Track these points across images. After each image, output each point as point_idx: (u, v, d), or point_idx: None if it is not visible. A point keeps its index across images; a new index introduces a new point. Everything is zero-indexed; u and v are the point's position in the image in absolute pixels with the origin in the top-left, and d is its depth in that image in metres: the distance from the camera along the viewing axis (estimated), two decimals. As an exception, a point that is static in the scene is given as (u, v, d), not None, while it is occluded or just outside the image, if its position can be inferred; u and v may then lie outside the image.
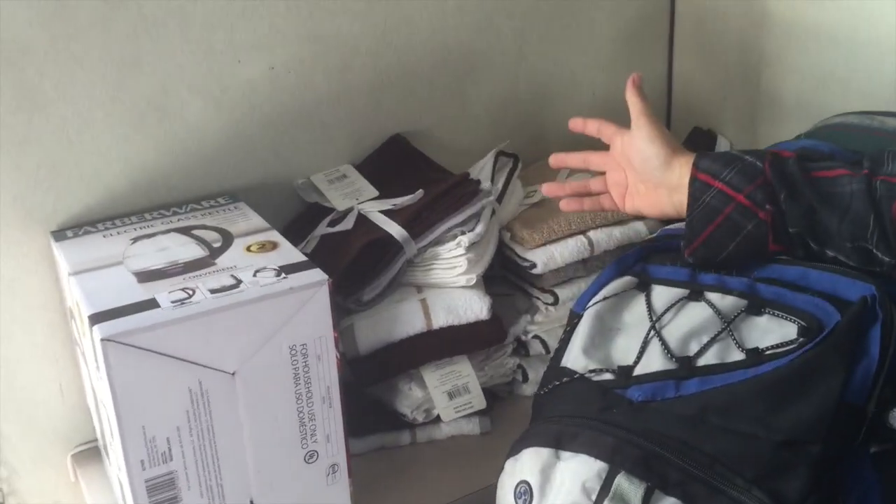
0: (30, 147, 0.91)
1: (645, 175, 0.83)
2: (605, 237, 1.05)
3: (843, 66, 1.09)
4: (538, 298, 1.06)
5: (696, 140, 1.29)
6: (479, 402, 0.99)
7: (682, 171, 0.80)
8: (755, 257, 0.76)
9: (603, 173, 0.90)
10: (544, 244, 1.05)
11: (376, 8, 1.07)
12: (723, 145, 1.25)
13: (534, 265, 1.03)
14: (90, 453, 1.02)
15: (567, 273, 1.06)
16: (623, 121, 0.87)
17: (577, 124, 0.92)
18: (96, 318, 0.73)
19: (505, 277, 1.10)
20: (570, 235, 1.05)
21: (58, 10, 0.88)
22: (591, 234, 1.05)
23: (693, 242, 0.77)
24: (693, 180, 0.77)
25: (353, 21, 1.06)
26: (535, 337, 1.05)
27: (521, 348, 1.06)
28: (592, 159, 0.90)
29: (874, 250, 0.70)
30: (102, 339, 0.70)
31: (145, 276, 0.81)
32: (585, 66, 1.26)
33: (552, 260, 1.04)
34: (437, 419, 1.00)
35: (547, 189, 0.93)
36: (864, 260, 0.71)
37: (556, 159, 0.94)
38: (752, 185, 0.74)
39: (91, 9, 0.90)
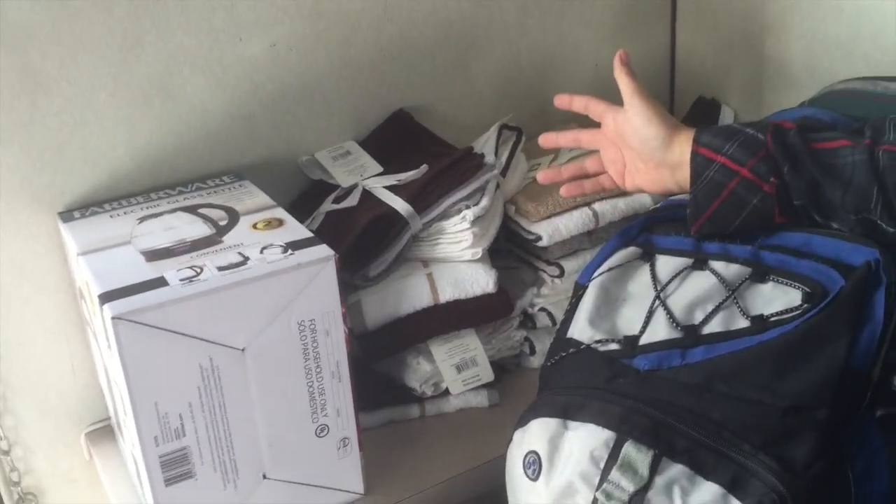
0: (35, 129, 0.91)
1: (645, 155, 0.82)
2: (609, 209, 1.05)
3: (847, 32, 1.08)
4: (544, 271, 1.07)
5: (699, 110, 1.29)
6: (487, 375, 1.00)
7: (682, 148, 0.79)
8: (762, 230, 0.76)
9: (596, 151, 0.89)
10: (549, 217, 1.05)
11: (376, -17, 1.07)
12: (727, 114, 1.25)
13: (539, 238, 1.04)
14: (104, 432, 1.03)
15: (572, 245, 1.06)
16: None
17: (563, 101, 0.90)
18: (106, 297, 0.73)
19: (510, 250, 1.11)
20: (575, 208, 1.05)
21: (59, -10, 0.88)
22: (596, 205, 1.06)
23: (699, 219, 0.77)
24: (694, 156, 0.77)
25: (354, -4, 1.06)
26: (542, 309, 1.06)
27: (528, 321, 1.07)
28: (584, 138, 0.89)
29: (878, 221, 0.70)
30: (113, 318, 0.71)
31: (153, 255, 0.81)
32: (588, 39, 1.26)
33: (557, 232, 1.04)
34: (446, 392, 1.01)
35: (543, 177, 0.92)
36: (868, 231, 0.71)
37: (545, 139, 0.93)
38: (755, 158, 0.74)
39: (92, -11, 0.90)
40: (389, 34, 1.10)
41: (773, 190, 0.74)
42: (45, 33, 0.89)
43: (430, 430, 1.00)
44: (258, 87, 1.03)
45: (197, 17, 0.96)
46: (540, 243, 1.04)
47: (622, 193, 1.05)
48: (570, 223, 1.04)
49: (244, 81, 1.02)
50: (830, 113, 0.83)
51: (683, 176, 0.79)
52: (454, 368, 0.99)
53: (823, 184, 0.72)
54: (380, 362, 0.99)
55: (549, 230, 1.04)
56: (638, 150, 0.83)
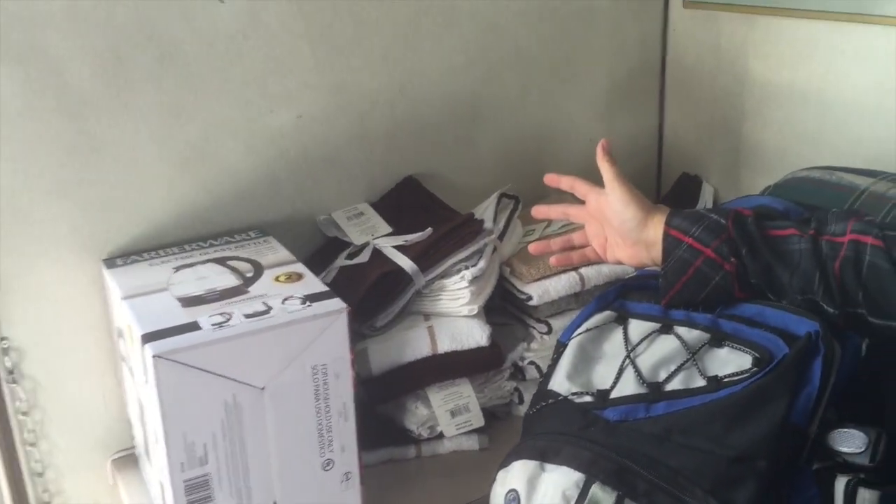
0: (85, 185, 1.03)
1: (623, 233, 0.92)
2: (594, 273, 1.16)
3: (814, 123, 1.20)
4: (534, 328, 1.17)
5: (683, 185, 1.41)
6: (478, 421, 1.10)
7: (656, 229, 0.89)
8: (724, 303, 0.87)
9: (582, 225, 1.00)
10: (540, 279, 1.16)
11: (393, 63, 1.20)
12: (707, 191, 1.36)
13: (530, 297, 1.15)
14: (128, 459, 1.13)
15: (560, 305, 1.17)
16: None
17: (551, 180, 1.01)
18: (148, 338, 0.84)
19: (504, 308, 1.21)
20: (564, 271, 1.16)
21: (116, 66, 1.01)
22: (583, 270, 1.17)
23: (669, 292, 0.88)
24: (666, 236, 0.88)
25: (373, 75, 1.18)
26: (531, 363, 1.16)
27: (518, 373, 1.17)
28: (571, 212, 1.00)
29: (820, 302, 0.81)
30: (154, 356, 0.82)
31: (188, 302, 0.92)
32: (583, 117, 1.38)
33: (547, 293, 1.15)
34: (441, 435, 1.11)
35: (534, 248, 1.02)
36: (812, 310, 0.82)
37: (538, 211, 1.04)
38: (718, 240, 0.85)
39: (145, 65, 1.03)
40: (402, 109, 1.22)
41: (733, 269, 0.84)
42: (101, 101, 1.02)
43: (425, 470, 1.10)
44: (284, 152, 1.15)
45: (233, 90, 1.09)
46: (531, 302, 1.15)
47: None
48: (558, 285, 1.15)
49: (272, 148, 1.14)
50: (784, 202, 0.94)
51: (657, 252, 0.89)
52: (449, 413, 1.09)
53: (775, 267, 0.83)
54: (382, 405, 1.10)
55: (539, 291, 1.15)
56: (617, 229, 0.94)
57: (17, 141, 0.99)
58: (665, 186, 1.45)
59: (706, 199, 1.36)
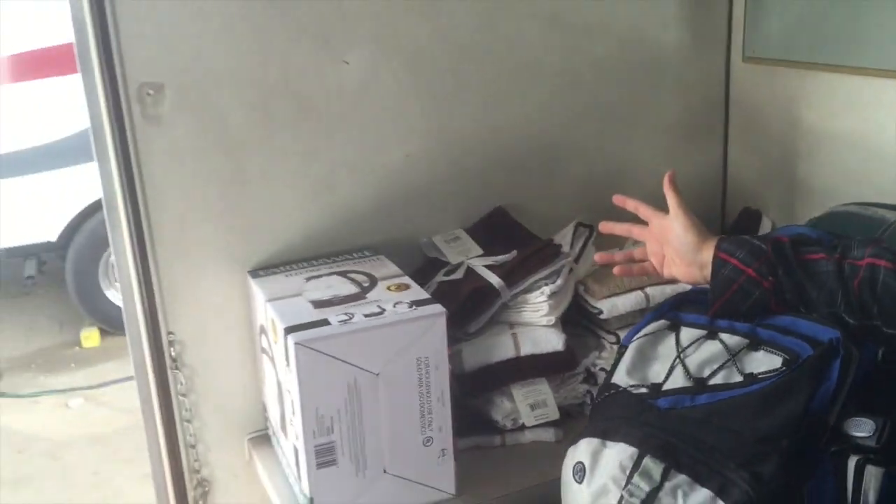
0: (237, 211, 1.28)
1: (681, 254, 1.08)
2: (658, 293, 1.34)
3: (859, 165, 1.36)
4: (604, 338, 1.36)
5: (744, 218, 1.57)
6: (554, 414, 1.29)
7: (709, 251, 1.04)
8: (762, 315, 1.03)
9: (643, 243, 1.17)
10: (610, 296, 1.34)
11: (486, 112, 1.41)
12: (765, 224, 1.52)
13: (601, 312, 1.33)
14: (261, 439, 1.36)
15: (627, 319, 1.35)
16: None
17: (619, 200, 1.17)
18: (290, 330, 1.07)
19: (578, 321, 1.40)
20: (631, 290, 1.35)
21: (264, 116, 1.26)
22: (648, 289, 1.35)
23: (715, 304, 1.04)
24: (715, 258, 1.03)
25: (469, 121, 1.40)
26: (602, 369, 1.34)
27: (590, 377, 1.35)
28: (634, 231, 1.16)
29: (843, 315, 0.96)
30: (295, 343, 1.05)
31: (318, 304, 1.15)
32: (651, 155, 1.56)
33: (615, 308, 1.33)
34: (522, 427, 1.30)
35: (599, 258, 1.19)
36: (837, 322, 0.97)
37: (604, 226, 1.19)
38: (758, 262, 1.00)
39: (286, 115, 1.27)
40: (493, 149, 1.44)
41: (770, 286, 1.00)
42: (252, 143, 1.26)
43: (508, 456, 1.29)
44: (393, 185, 1.38)
45: (354, 134, 1.33)
46: (602, 316, 1.33)
47: (668, 282, 1.34)
48: (626, 302, 1.33)
49: (384, 181, 1.37)
50: (818, 231, 1.10)
51: (708, 272, 1.05)
52: (529, 407, 1.28)
53: (807, 285, 0.98)
54: (472, 399, 1.30)
55: (609, 306, 1.33)
56: (676, 250, 1.10)
57: (187, 175, 1.24)
58: (728, 219, 1.61)
59: (765, 231, 1.51)
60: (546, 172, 1.50)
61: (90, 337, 3.87)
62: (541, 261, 1.32)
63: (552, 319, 1.30)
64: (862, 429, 0.92)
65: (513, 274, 1.31)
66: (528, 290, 1.31)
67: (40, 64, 3.48)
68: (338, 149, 1.32)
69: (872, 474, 0.90)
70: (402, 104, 1.35)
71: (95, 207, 3.63)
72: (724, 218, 1.64)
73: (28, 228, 3.67)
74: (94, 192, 3.51)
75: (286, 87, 1.26)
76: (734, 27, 1.54)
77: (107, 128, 1.18)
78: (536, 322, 1.30)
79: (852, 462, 0.91)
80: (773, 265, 1.00)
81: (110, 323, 3.84)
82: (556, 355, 1.29)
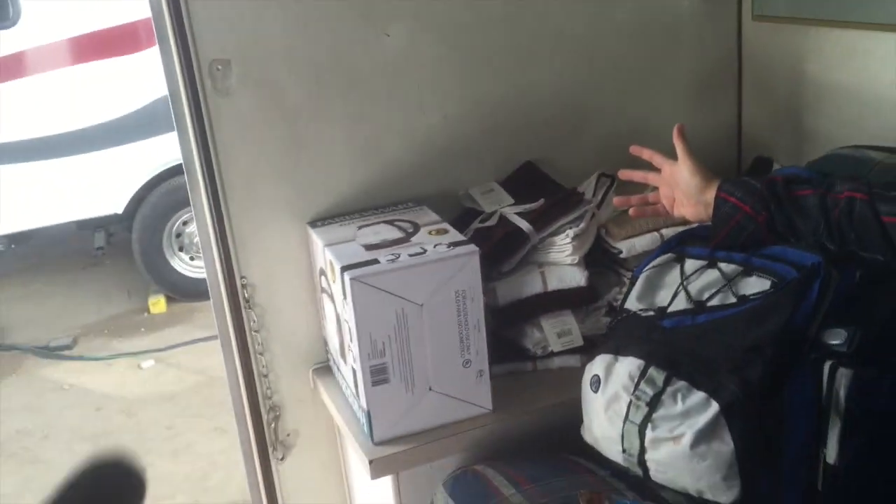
0: (296, 171, 1.46)
1: (688, 196, 1.22)
2: (672, 233, 1.48)
3: (856, 113, 1.48)
4: (624, 275, 1.51)
5: (757, 165, 1.70)
6: (578, 340, 1.45)
7: (712, 192, 1.18)
8: (756, 247, 1.17)
9: (656, 188, 1.32)
10: (629, 237, 1.50)
11: (516, 76, 1.57)
12: (776, 168, 1.65)
13: (620, 252, 1.49)
14: (323, 370, 1.55)
15: (644, 258, 1.49)
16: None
17: (636, 150, 1.31)
18: (346, 268, 1.25)
19: (600, 260, 1.56)
20: (648, 231, 1.50)
21: (318, 87, 1.44)
22: (663, 231, 1.50)
23: (716, 237, 1.19)
24: (717, 197, 1.17)
25: (500, 85, 1.56)
26: (622, 303, 1.50)
27: (612, 311, 1.51)
28: (650, 177, 1.31)
29: (825, 242, 1.10)
30: (351, 279, 1.23)
31: (369, 247, 1.33)
32: (670, 111, 1.70)
33: (633, 248, 1.49)
34: (551, 354, 1.47)
35: (617, 201, 1.34)
36: (820, 248, 1.11)
37: (623, 174, 1.34)
38: (753, 199, 1.13)
39: (337, 86, 1.45)
40: (523, 109, 1.59)
41: (763, 221, 1.14)
42: (308, 112, 1.44)
43: (538, 379, 1.46)
44: (434, 144, 1.55)
45: (397, 100, 1.50)
46: (621, 255, 1.49)
47: (679, 223, 1.48)
48: (643, 242, 1.49)
49: (424, 141, 1.54)
50: (810, 171, 1.23)
51: (712, 211, 1.20)
52: (556, 335, 1.45)
53: (795, 218, 1.12)
54: (506, 330, 1.47)
55: (627, 246, 1.49)
56: (684, 191, 1.24)
57: (253, 140, 1.43)
58: (744, 166, 1.74)
59: (775, 177, 1.64)
60: (571, 129, 1.65)
61: (157, 304, 4.11)
62: (566, 207, 1.48)
63: (576, 259, 1.46)
64: (836, 337, 1.06)
65: (541, 219, 1.47)
66: (555, 234, 1.47)
67: (103, 45, 3.68)
68: (383, 113, 1.49)
69: (843, 374, 1.04)
70: (439, 71, 1.51)
71: (158, 180, 3.86)
72: (740, 165, 1.77)
73: (96, 202, 3.88)
74: (156, 166, 3.78)
75: (335, 60, 1.44)
76: (744, -12, 1.66)
77: (184, 99, 1.37)
78: (562, 261, 1.47)
79: (827, 366, 1.06)
80: (766, 202, 1.13)
81: (176, 290, 4.08)
82: (579, 290, 1.46)
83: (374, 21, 1.45)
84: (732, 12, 1.69)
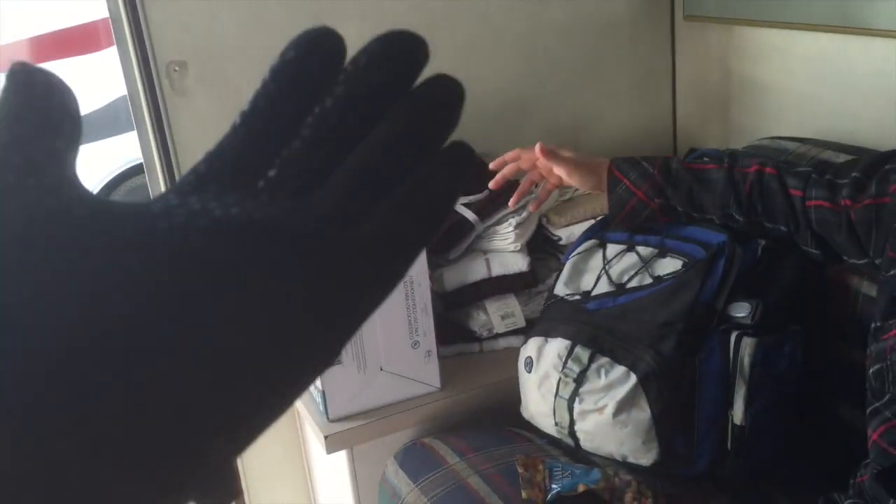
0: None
1: (576, 178, 1.28)
2: (607, 221, 1.59)
3: (776, 106, 1.59)
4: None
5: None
6: (521, 322, 1.55)
7: (604, 168, 1.26)
8: (658, 225, 1.26)
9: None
10: (568, 225, 1.60)
11: (461, 72, 1.63)
12: (707, 159, 1.76)
13: (560, 238, 1.59)
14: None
15: (582, 244, 1.60)
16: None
17: (496, 183, 1.34)
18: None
19: (542, 247, 1.66)
20: (586, 220, 1.60)
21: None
22: (600, 218, 1.60)
23: (615, 220, 1.28)
24: (610, 174, 1.25)
25: (446, 82, 1.65)
26: (563, 287, 1.60)
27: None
28: (524, 158, 1.35)
29: (734, 214, 1.19)
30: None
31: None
32: (609, 105, 1.81)
33: (573, 235, 1.59)
34: (496, 335, 1.57)
35: (493, 184, 1.35)
36: (728, 221, 1.21)
37: (494, 185, 1.35)
38: (647, 185, 1.23)
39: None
40: (468, 104, 1.67)
41: (656, 207, 1.24)
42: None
43: (485, 359, 1.56)
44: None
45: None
46: (561, 242, 1.59)
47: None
48: (581, 229, 1.59)
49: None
50: (718, 152, 1.34)
51: (605, 183, 1.27)
52: (500, 317, 1.55)
53: (698, 191, 1.20)
54: (453, 313, 1.57)
55: (567, 234, 1.59)
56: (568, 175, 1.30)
57: (210, 138, 1.49)
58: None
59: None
60: (515, 124, 1.74)
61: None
62: (508, 198, 1.58)
63: (518, 246, 1.56)
64: (740, 310, 1.18)
65: (485, 209, 1.56)
66: (498, 223, 1.57)
67: (62, 44, 3.70)
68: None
69: (747, 344, 1.15)
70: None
71: (119, 180, 3.88)
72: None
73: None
74: (117, 166, 3.81)
75: (288, 60, 1.52)
76: (675, -11, 1.77)
77: (143, 100, 1.45)
78: (505, 248, 1.57)
79: (733, 336, 1.17)
80: (659, 188, 1.21)
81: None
82: (521, 275, 1.56)
83: (324, 21, 1.52)
84: (666, 12, 1.79)
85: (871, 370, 0.96)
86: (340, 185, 0.23)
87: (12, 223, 0.20)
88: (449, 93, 0.26)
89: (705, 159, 1.24)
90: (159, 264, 0.20)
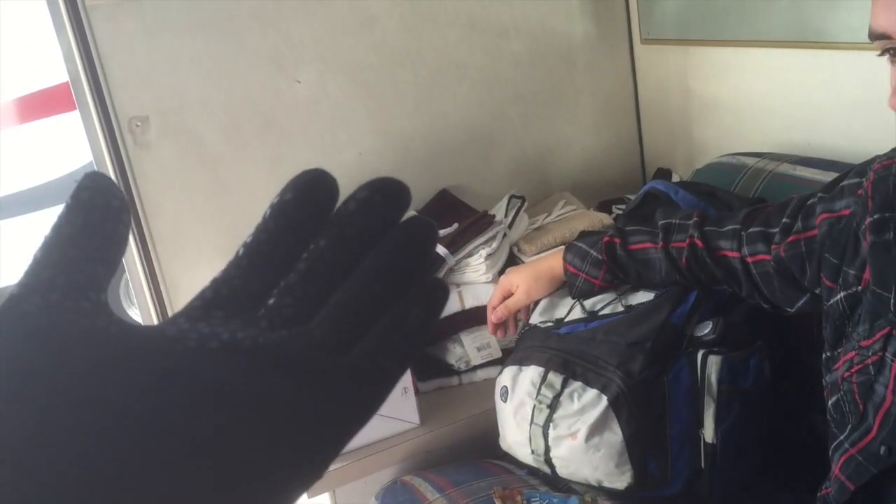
0: (221, 214, 1.55)
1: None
2: (577, 246, 1.60)
3: (735, 123, 1.61)
4: (536, 288, 1.62)
5: (659, 175, 1.82)
6: (497, 353, 1.55)
7: (559, 269, 1.31)
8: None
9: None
10: (539, 252, 1.61)
11: (423, 109, 1.68)
12: (675, 178, 1.77)
13: (532, 267, 1.60)
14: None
15: (554, 271, 1.61)
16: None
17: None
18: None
19: (515, 276, 1.66)
20: (556, 246, 1.61)
21: (235, 132, 1.53)
22: (569, 244, 1.60)
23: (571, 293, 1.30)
24: (566, 271, 1.29)
25: (409, 119, 1.67)
26: (538, 314, 1.61)
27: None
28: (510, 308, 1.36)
29: (681, 283, 1.19)
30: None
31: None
32: (574, 133, 1.82)
33: (543, 263, 1.59)
34: (475, 368, 1.57)
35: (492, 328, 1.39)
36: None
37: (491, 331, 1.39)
38: (600, 272, 1.25)
39: (254, 130, 1.54)
40: (434, 141, 1.70)
41: (599, 282, 1.25)
42: (227, 156, 1.54)
43: (463, 392, 1.56)
44: (351, 180, 1.62)
45: (313, 140, 1.60)
46: (532, 270, 1.60)
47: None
48: (552, 256, 1.59)
49: (342, 178, 1.59)
50: (668, 185, 1.35)
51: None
52: (476, 349, 1.55)
53: (643, 273, 1.21)
54: (430, 347, 1.57)
55: (538, 261, 1.59)
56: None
57: (176, 188, 1.52)
58: (647, 177, 1.86)
59: (675, 186, 1.76)
60: (482, 155, 1.76)
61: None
62: (478, 230, 1.58)
63: (490, 277, 1.56)
64: (703, 329, 1.18)
65: (455, 242, 1.57)
66: (469, 255, 1.57)
67: (33, 108, 3.71)
68: (300, 154, 1.59)
69: (713, 361, 1.15)
70: (350, 110, 1.62)
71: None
72: (645, 177, 1.89)
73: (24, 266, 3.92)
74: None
75: (250, 107, 1.54)
76: (632, 15, 1.79)
77: (106, 156, 1.46)
78: (477, 280, 1.57)
79: (699, 355, 1.17)
80: (612, 271, 1.24)
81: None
82: (494, 306, 1.56)
83: (285, 68, 1.56)
84: (624, 37, 1.82)
85: (829, 402, 0.95)
86: (332, 318, 0.27)
87: (50, 340, 0.24)
88: (424, 238, 0.30)
89: (640, 237, 1.22)
90: (179, 382, 0.24)
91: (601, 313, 1.27)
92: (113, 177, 1.46)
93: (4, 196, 3.70)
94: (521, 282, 1.35)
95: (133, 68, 1.45)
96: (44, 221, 3.76)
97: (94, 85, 1.41)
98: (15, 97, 3.66)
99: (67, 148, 3.73)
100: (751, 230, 1.09)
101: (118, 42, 1.43)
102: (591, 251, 1.27)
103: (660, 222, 1.21)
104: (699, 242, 1.15)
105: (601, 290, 1.28)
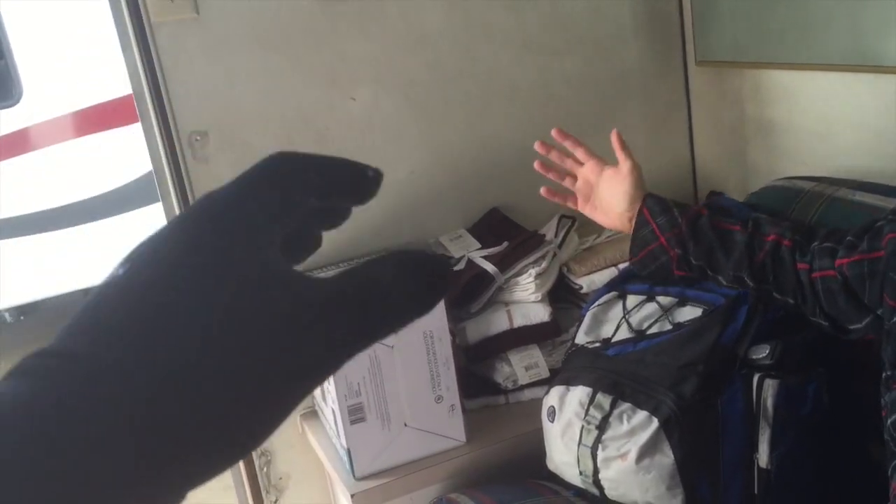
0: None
1: (610, 207, 1.24)
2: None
3: (793, 146, 1.59)
4: (586, 309, 1.61)
5: (712, 200, 1.80)
6: (545, 373, 1.55)
7: (637, 208, 1.21)
8: (667, 275, 1.21)
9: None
10: (589, 273, 1.60)
11: (476, 129, 1.69)
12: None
13: (582, 287, 1.59)
14: (310, 415, 1.65)
15: (604, 292, 1.60)
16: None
17: (559, 134, 1.29)
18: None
19: (565, 296, 1.66)
20: (606, 267, 1.60)
21: (289, 145, 1.55)
22: (620, 266, 1.60)
23: (632, 259, 1.23)
24: (640, 213, 1.21)
25: (461, 137, 1.68)
26: (587, 335, 1.60)
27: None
28: (568, 163, 1.31)
29: (745, 278, 1.13)
30: (323, 326, 1.34)
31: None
32: (626, 153, 1.81)
33: (593, 283, 1.59)
34: (522, 387, 1.56)
35: (538, 165, 1.33)
36: (737, 284, 1.14)
37: (546, 191, 1.31)
38: (671, 233, 1.19)
39: (307, 144, 1.57)
40: (485, 159, 1.71)
41: (675, 256, 1.18)
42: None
43: (510, 411, 1.56)
44: (404, 197, 1.66)
45: (366, 157, 1.59)
46: (582, 291, 1.59)
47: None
48: (602, 277, 1.59)
49: (394, 194, 1.65)
50: (734, 201, 1.34)
51: (631, 226, 1.22)
52: (524, 368, 1.55)
53: (717, 251, 1.15)
54: (477, 366, 1.57)
55: (588, 282, 1.59)
56: (607, 202, 1.25)
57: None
58: (700, 201, 1.85)
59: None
60: (532, 175, 1.75)
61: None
62: (528, 249, 1.59)
63: (539, 296, 1.56)
64: (760, 352, 1.16)
65: (505, 261, 1.57)
66: (519, 274, 1.57)
67: (101, 118, 3.81)
68: (353, 170, 1.61)
69: (770, 385, 1.14)
70: (403, 129, 1.64)
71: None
72: (697, 200, 1.88)
73: (102, 269, 3.98)
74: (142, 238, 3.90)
75: (305, 122, 1.56)
76: (686, 37, 1.78)
77: (166, 169, 1.50)
78: (526, 299, 1.57)
79: (755, 378, 1.16)
80: (683, 239, 1.16)
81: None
82: (543, 325, 1.55)
83: (340, 85, 1.58)
84: (678, 59, 1.81)
85: (888, 421, 0.93)
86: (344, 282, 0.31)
87: (223, 233, 0.30)
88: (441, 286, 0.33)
89: (732, 219, 1.17)
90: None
91: (649, 332, 1.27)
92: (172, 190, 1.50)
93: (64, 205, 3.79)
94: (608, 196, 1.24)
95: (193, 84, 1.48)
96: (102, 231, 3.85)
97: (157, 99, 1.44)
98: (75, 110, 3.77)
99: (123, 160, 3.83)
100: (823, 245, 1.07)
101: (180, 58, 1.47)
102: (674, 210, 1.18)
103: (752, 214, 1.17)
104: (786, 241, 1.10)
105: (654, 255, 1.17)
